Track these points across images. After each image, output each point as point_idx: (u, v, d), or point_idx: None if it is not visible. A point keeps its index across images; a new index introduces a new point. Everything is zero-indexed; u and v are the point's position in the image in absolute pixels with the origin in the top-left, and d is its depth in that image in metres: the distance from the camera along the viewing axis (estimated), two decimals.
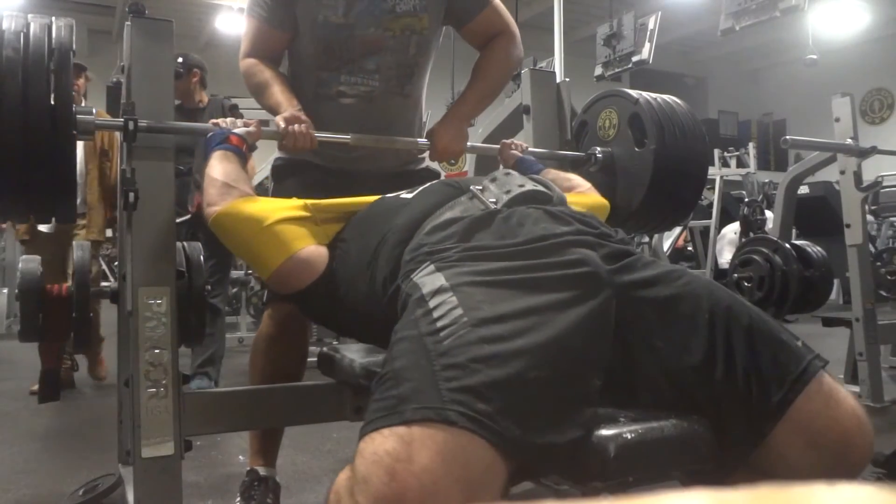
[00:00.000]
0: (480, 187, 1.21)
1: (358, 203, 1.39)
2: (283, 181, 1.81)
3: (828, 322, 3.26)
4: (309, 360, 1.93)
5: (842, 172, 3.14)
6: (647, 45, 6.35)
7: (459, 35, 1.87)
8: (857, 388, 2.98)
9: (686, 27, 11.45)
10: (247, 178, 1.48)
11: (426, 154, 1.89)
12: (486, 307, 0.90)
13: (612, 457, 0.87)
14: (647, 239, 6.29)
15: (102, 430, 2.69)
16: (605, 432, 0.89)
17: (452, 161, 1.92)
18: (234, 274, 5.14)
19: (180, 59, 3.27)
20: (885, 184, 6.16)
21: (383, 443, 0.78)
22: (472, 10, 1.79)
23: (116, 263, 2.09)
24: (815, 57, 8.84)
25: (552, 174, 1.69)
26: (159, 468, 1.43)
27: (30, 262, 1.59)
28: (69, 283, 1.61)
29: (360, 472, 0.78)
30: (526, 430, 0.81)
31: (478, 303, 0.90)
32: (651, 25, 6.36)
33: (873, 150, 3.04)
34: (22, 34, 1.37)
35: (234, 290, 5.54)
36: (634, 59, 6.47)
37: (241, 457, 2.36)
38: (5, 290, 6.39)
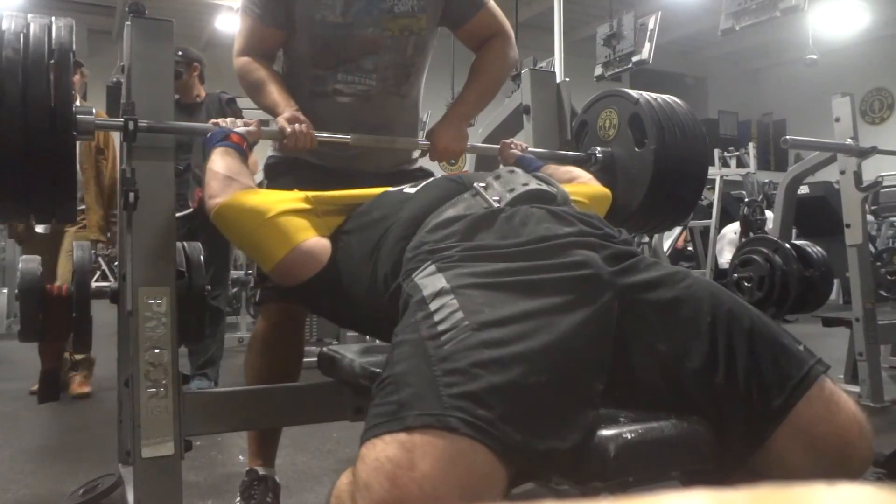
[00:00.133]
0: (484, 184, 1.20)
1: (359, 196, 1.39)
2: (278, 179, 1.80)
3: (828, 322, 3.26)
4: (309, 360, 1.93)
5: (842, 172, 3.14)
6: (647, 45, 6.34)
7: (455, 36, 1.88)
8: (857, 388, 2.98)
9: (686, 27, 11.45)
10: (248, 171, 1.48)
11: (418, 154, 1.90)
12: (487, 310, 0.89)
13: (612, 457, 0.87)
14: (647, 239, 6.29)
15: (102, 430, 2.69)
16: (605, 432, 0.89)
17: (452, 161, 1.92)
18: (234, 274, 5.14)
19: (180, 53, 3.27)
20: (885, 184, 6.16)
21: (385, 449, 0.78)
22: (468, 12, 1.79)
23: (116, 263, 2.09)
24: (815, 57, 8.84)
25: (552, 168, 1.70)
26: (159, 468, 1.43)
27: (30, 262, 1.59)
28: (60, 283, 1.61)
29: (362, 478, 0.77)
30: (527, 435, 0.81)
31: (479, 306, 0.90)
32: (651, 25, 6.36)
33: (873, 150, 3.04)
34: (22, 34, 1.37)
35: (234, 290, 5.54)
36: (634, 59, 6.47)
37: (241, 457, 2.35)
38: (5, 290, 6.39)
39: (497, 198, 1.16)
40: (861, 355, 3.00)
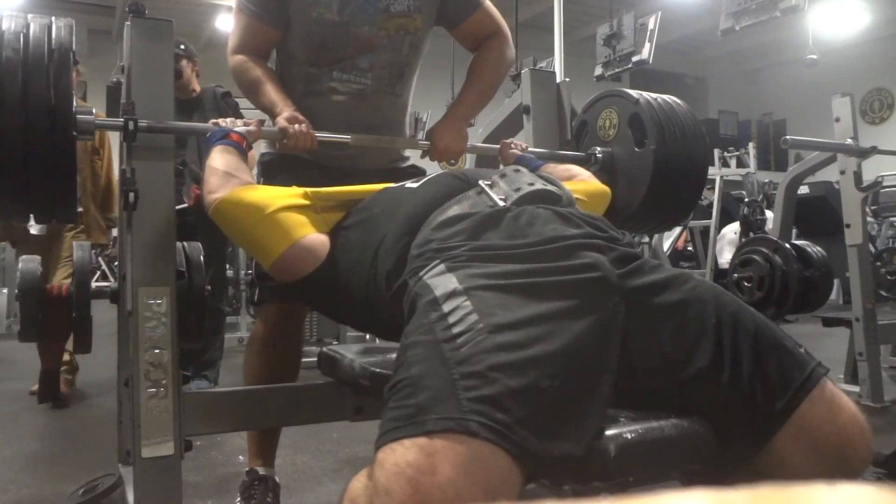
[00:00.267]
0: (489, 182, 1.20)
1: (358, 192, 1.38)
2: (274, 177, 1.80)
3: (828, 322, 3.26)
4: (309, 360, 1.92)
5: (842, 172, 3.13)
6: (647, 45, 6.34)
7: (451, 36, 1.88)
8: (857, 389, 2.98)
9: (686, 27, 11.45)
10: (247, 168, 1.48)
11: (409, 153, 1.90)
12: (500, 313, 0.89)
13: (612, 457, 0.87)
14: (647, 239, 6.29)
15: (102, 430, 2.69)
16: (605, 432, 0.89)
17: (452, 161, 1.92)
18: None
19: (182, 47, 3.26)
20: (885, 184, 6.16)
21: (405, 454, 0.77)
22: (465, 12, 1.79)
23: (116, 263, 2.09)
24: (815, 57, 8.84)
25: (551, 166, 1.70)
26: (159, 468, 1.43)
27: (30, 263, 1.59)
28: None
29: (382, 483, 0.77)
30: (543, 440, 0.81)
31: (492, 308, 0.89)
32: (651, 25, 6.36)
33: (873, 150, 3.04)
34: (22, 34, 1.37)
35: (243, 289, 5.54)
36: (634, 59, 6.47)
37: (241, 457, 2.35)
38: (5, 290, 6.39)
39: (503, 196, 1.16)
40: (861, 355, 3.00)
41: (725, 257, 6.54)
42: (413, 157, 1.98)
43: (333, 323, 4.38)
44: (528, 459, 0.80)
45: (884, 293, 4.70)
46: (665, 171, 1.88)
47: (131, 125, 1.46)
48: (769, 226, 5.31)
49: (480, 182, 1.20)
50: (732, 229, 7.00)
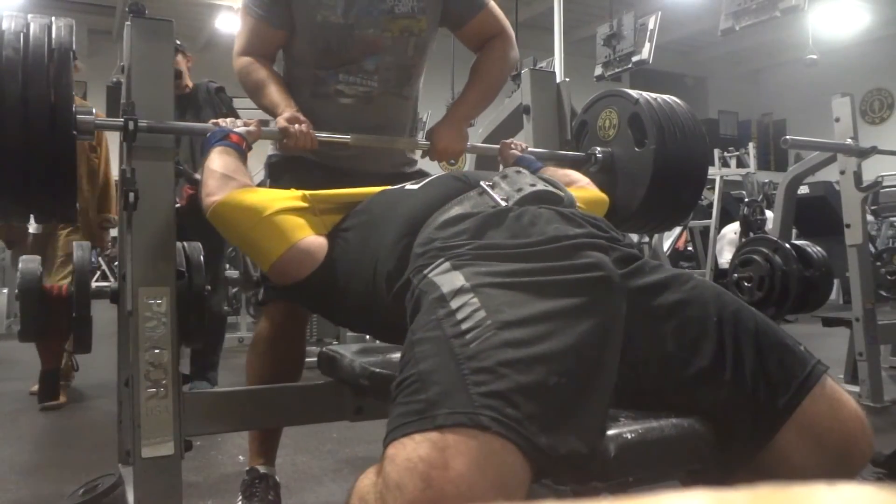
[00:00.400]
0: (490, 183, 1.20)
1: (357, 194, 1.38)
2: (280, 179, 1.80)
3: (828, 322, 3.26)
4: (309, 360, 1.92)
5: (842, 172, 3.13)
6: (647, 45, 6.35)
7: (455, 37, 1.88)
8: (857, 388, 2.98)
9: (686, 27, 11.46)
10: (246, 170, 1.48)
11: (419, 156, 1.90)
12: (507, 310, 0.89)
13: (612, 457, 0.87)
14: (647, 239, 6.29)
15: (102, 431, 2.69)
16: (606, 433, 0.89)
17: (452, 161, 1.92)
18: (234, 273, 5.13)
19: (178, 41, 3.25)
20: (885, 184, 6.15)
21: (416, 449, 0.77)
22: (469, 13, 1.79)
23: (116, 263, 2.09)
24: (815, 57, 8.85)
25: (550, 171, 1.69)
26: (159, 468, 1.43)
27: (30, 263, 1.59)
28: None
29: (393, 478, 0.76)
30: (550, 437, 0.81)
31: (499, 305, 0.89)
32: (651, 25, 6.36)
33: (873, 150, 3.04)
34: (22, 34, 1.37)
35: (234, 290, 5.54)
36: (634, 59, 6.47)
37: (241, 457, 2.36)
38: (5, 290, 6.39)
39: (504, 197, 1.16)
40: (861, 355, 3.00)
41: (725, 257, 6.55)
42: (420, 161, 1.97)
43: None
44: (536, 455, 0.80)
45: (884, 293, 4.70)
46: (665, 171, 1.88)
47: (131, 125, 1.46)
48: (769, 226, 5.31)
49: (482, 183, 1.20)
50: (732, 229, 7.00)
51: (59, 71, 1.37)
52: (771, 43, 12.37)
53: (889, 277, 4.77)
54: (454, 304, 0.90)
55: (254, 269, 4.87)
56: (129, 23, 1.55)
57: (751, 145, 8.05)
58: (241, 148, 1.51)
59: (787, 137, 2.81)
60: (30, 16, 1.43)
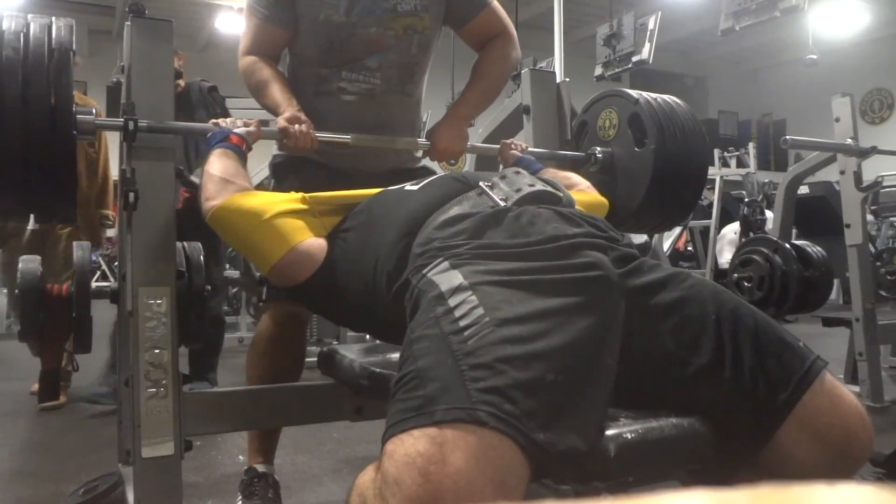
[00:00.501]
0: (489, 184, 1.20)
1: (356, 195, 1.39)
2: (284, 180, 1.81)
3: (828, 322, 3.26)
4: (309, 360, 1.92)
5: (842, 172, 3.13)
6: (647, 45, 6.35)
7: (458, 35, 1.88)
8: (857, 388, 2.98)
9: (686, 27, 11.45)
10: (245, 173, 1.48)
11: (422, 153, 1.90)
12: (505, 307, 0.89)
13: (612, 457, 0.87)
14: (647, 239, 6.29)
15: (102, 430, 2.69)
16: (605, 432, 0.89)
17: (452, 161, 1.92)
18: (233, 274, 5.13)
19: None
20: (885, 184, 6.16)
21: (414, 444, 0.77)
22: (472, 11, 1.80)
23: (116, 263, 2.09)
24: (815, 57, 8.85)
25: (550, 173, 1.69)
26: (159, 468, 1.43)
27: (30, 263, 1.59)
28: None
29: (391, 473, 0.77)
30: (548, 434, 0.81)
31: (497, 302, 0.90)
32: (651, 25, 6.36)
33: (873, 150, 3.04)
34: (22, 34, 1.37)
35: (234, 290, 5.54)
36: (634, 59, 6.47)
37: (241, 457, 2.35)
38: (5, 290, 6.39)
39: (503, 197, 1.16)
40: (861, 355, 3.00)
41: (725, 257, 6.55)
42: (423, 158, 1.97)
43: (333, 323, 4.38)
44: (535, 451, 0.80)
45: (884, 293, 4.70)
46: (665, 171, 1.88)
47: (131, 125, 1.46)
48: (769, 226, 5.31)
49: (481, 183, 1.21)
50: (732, 229, 7.00)
51: (59, 71, 1.37)
52: (771, 43, 12.37)
53: (889, 277, 4.78)
54: (452, 301, 0.91)
55: (256, 269, 4.87)
56: (129, 23, 1.55)
57: (751, 145, 8.05)
58: (240, 149, 1.51)
59: (787, 137, 2.81)
60: (30, 16, 1.43)
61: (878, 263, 4.80)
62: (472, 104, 1.85)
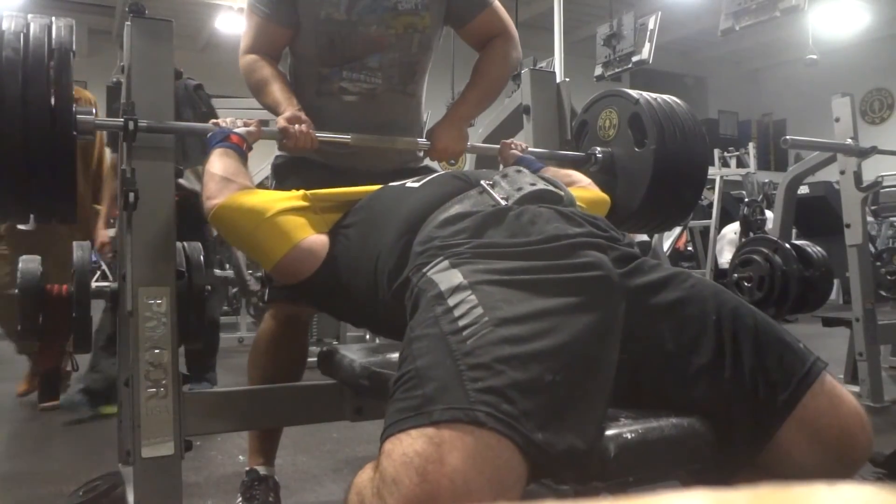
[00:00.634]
0: (491, 182, 1.20)
1: (357, 192, 1.39)
2: (285, 180, 1.81)
3: (828, 322, 3.26)
4: (309, 359, 1.92)
5: (842, 172, 3.13)
6: (647, 45, 6.34)
7: (458, 35, 1.88)
8: (857, 388, 2.98)
9: (686, 27, 11.44)
10: (246, 172, 1.49)
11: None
12: (504, 307, 0.89)
13: (612, 457, 0.87)
14: (642, 238, 6.28)
15: (102, 430, 2.69)
16: (605, 432, 0.89)
17: (452, 161, 1.92)
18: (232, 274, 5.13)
19: None
20: (885, 184, 6.16)
21: (412, 444, 0.77)
22: (472, 11, 1.79)
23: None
24: (815, 57, 8.84)
25: (551, 171, 1.69)
26: (159, 468, 1.43)
27: (30, 263, 1.59)
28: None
29: (389, 473, 0.77)
30: (547, 434, 0.81)
31: (497, 302, 0.90)
32: (651, 25, 6.36)
33: (873, 150, 3.04)
34: (22, 34, 1.37)
35: (234, 290, 5.54)
36: (634, 59, 6.47)
37: (241, 457, 2.35)
38: None
39: (504, 196, 1.16)
40: (861, 355, 3.00)
41: (725, 257, 6.55)
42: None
43: (333, 323, 4.38)
44: (533, 452, 0.80)
45: (884, 293, 4.71)
46: (665, 171, 1.88)
47: (131, 125, 1.46)
48: (769, 226, 5.31)
49: (482, 182, 1.21)
50: (732, 229, 7.00)
51: (59, 71, 1.37)
52: (771, 43, 12.36)
53: (889, 277, 4.78)
54: (452, 301, 0.91)
55: (256, 269, 4.85)
56: (129, 23, 1.55)
57: (751, 145, 8.05)
58: (241, 149, 1.52)
59: (787, 137, 2.81)
60: (30, 16, 1.43)
61: (878, 263, 4.80)
62: (473, 104, 1.85)
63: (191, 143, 2.71)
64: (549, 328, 0.88)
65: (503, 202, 1.14)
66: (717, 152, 7.55)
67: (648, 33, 6.35)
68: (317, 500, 2.03)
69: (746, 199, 6.86)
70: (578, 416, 0.86)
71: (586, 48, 7.82)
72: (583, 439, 0.85)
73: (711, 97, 14.95)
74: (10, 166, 1.34)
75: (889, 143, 3.54)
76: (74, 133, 1.40)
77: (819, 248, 3.37)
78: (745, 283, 3.41)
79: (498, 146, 1.85)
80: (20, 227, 3.17)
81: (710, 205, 6.95)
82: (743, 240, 5.66)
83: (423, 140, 1.82)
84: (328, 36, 1.70)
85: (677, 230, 7.48)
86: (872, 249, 5.07)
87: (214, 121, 1.63)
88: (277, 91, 1.69)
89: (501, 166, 1.81)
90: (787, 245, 3.37)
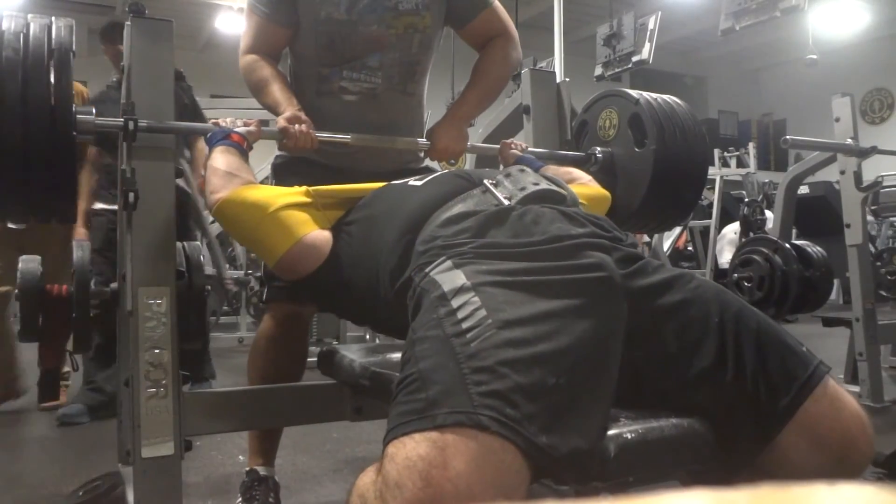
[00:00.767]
0: (494, 182, 1.20)
1: (360, 189, 1.39)
2: (285, 180, 1.80)
3: (828, 322, 3.26)
4: (309, 360, 1.92)
5: (842, 172, 3.13)
6: (647, 45, 6.34)
7: (458, 35, 1.88)
8: (857, 388, 2.98)
9: (686, 27, 11.45)
10: (249, 168, 1.49)
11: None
12: (508, 309, 0.89)
13: (612, 457, 0.87)
14: (647, 239, 6.29)
15: (102, 430, 2.69)
16: (607, 432, 0.89)
17: (452, 161, 1.92)
18: (234, 274, 5.14)
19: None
20: (885, 184, 6.15)
21: (416, 448, 0.77)
22: (473, 11, 1.79)
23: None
24: (815, 57, 8.83)
25: (552, 169, 1.69)
26: (159, 468, 1.43)
27: (30, 262, 1.59)
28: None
29: (392, 476, 0.77)
30: (551, 437, 0.81)
31: (500, 304, 0.90)
32: (651, 25, 6.36)
33: (873, 150, 3.04)
34: (22, 34, 1.37)
35: (235, 290, 5.54)
36: (634, 59, 6.46)
37: (241, 457, 2.35)
38: None
39: (507, 196, 1.16)
40: (861, 355, 3.00)
41: (725, 257, 6.55)
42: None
43: (333, 323, 4.38)
44: (536, 455, 0.80)
45: (884, 293, 4.70)
46: (665, 171, 1.88)
47: (131, 125, 1.46)
48: (769, 226, 5.32)
49: (485, 181, 1.20)
50: (732, 229, 7.00)
51: (59, 71, 1.37)
52: (771, 43, 12.36)
53: (889, 277, 4.77)
54: (455, 302, 0.90)
55: (256, 269, 4.84)
56: (129, 23, 1.55)
57: (751, 145, 8.04)
58: (242, 147, 1.52)
59: (787, 137, 2.81)
60: (30, 16, 1.43)
61: (878, 263, 4.80)
62: (473, 104, 1.85)
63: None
64: (553, 331, 0.87)
65: (506, 202, 1.14)
66: (717, 152, 7.55)
67: (648, 33, 6.34)
68: (317, 500, 2.03)
69: (746, 199, 6.86)
70: (581, 418, 0.86)
71: (586, 48, 7.81)
72: (586, 441, 0.85)
73: (711, 97, 14.95)
74: (10, 166, 1.34)
75: (889, 143, 3.54)
76: (74, 133, 1.40)
77: (819, 248, 3.37)
78: (746, 283, 3.41)
79: (498, 146, 1.85)
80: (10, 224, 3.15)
81: (710, 205, 6.96)
82: (743, 240, 5.66)
83: (423, 140, 1.82)
84: (328, 36, 1.70)
85: (677, 230, 7.49)
86: (872, 249, 5.07)
87: (215, 120, 1.63)
88: (277, 91, 1.69)
89: (501, 166, 1.81)
90: (788, 245, 3.37)
